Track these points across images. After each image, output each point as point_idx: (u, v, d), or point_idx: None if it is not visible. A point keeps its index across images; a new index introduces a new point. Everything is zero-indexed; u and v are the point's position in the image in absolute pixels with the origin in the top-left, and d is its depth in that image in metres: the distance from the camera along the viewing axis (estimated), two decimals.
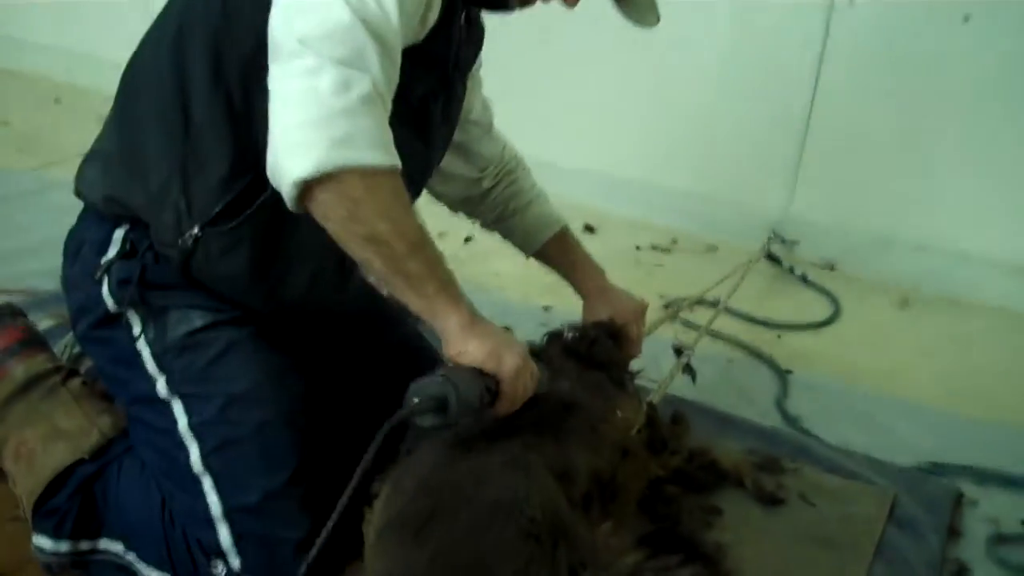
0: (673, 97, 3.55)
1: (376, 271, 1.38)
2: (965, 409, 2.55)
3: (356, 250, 1.34)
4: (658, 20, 1.66)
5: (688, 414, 2.14)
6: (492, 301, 2.88)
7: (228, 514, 1.53)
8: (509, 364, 1.43)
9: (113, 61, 4.48)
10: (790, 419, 2.39)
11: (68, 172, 3.44)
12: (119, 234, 1.59)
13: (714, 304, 2.76)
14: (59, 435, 1.68)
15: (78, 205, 2.90)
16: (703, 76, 3.51)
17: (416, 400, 1.36)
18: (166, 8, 1.58)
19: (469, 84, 1.82)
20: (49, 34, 4.80)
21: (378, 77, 1.28)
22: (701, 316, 2.81)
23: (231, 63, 1.45)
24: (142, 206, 1.54)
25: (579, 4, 1.57)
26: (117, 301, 1.58)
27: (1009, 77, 3.13)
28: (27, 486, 1.64)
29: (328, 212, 1.30)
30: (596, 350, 1.84)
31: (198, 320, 1.57)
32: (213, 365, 1.56)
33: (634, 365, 2.04)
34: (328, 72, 1.24)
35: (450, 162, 1.95)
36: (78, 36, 4.64)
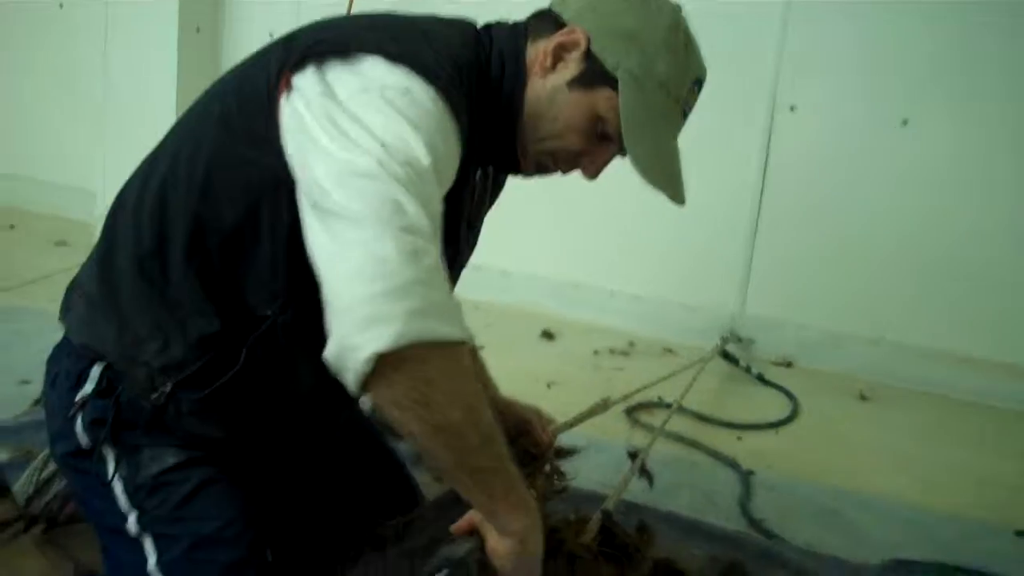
0: (625, 203, 3.59)
1: (442, 463, 1.24)
2: (928, 502, 2.56)
3: (422, 440, 1.20)
4: (683, 201, 1.57)
5: (652, 521, 2.12)
6: None
7: None
8: None
9: (66, 186, 4.55)
10: (754, 521, 2.38)
11: (20, 299, 3.50)
12: (96, 371, 1.56)
13: (667, 405, 2.78)
14: None
15: (31, 331, 2.89)
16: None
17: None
18: (152, 157, 1.56)
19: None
20: (2, 161, 4.82)
21: (433, 247, 1.21)
22: (658, 418, 2.82)
23: (212, 237, 1.43)
24: (116, 360, 1.52)
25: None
26: (90, 438, 1.56)
27: (948, 176, 3.22)
28: None
29: (399, 396, 1.16)
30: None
31: (171, 458, 1.54)
32: (183, 506, 1.53)
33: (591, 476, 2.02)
34: (393, 240, 1.15)
35: None
36: (32, 163, 4.67)
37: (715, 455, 2.75)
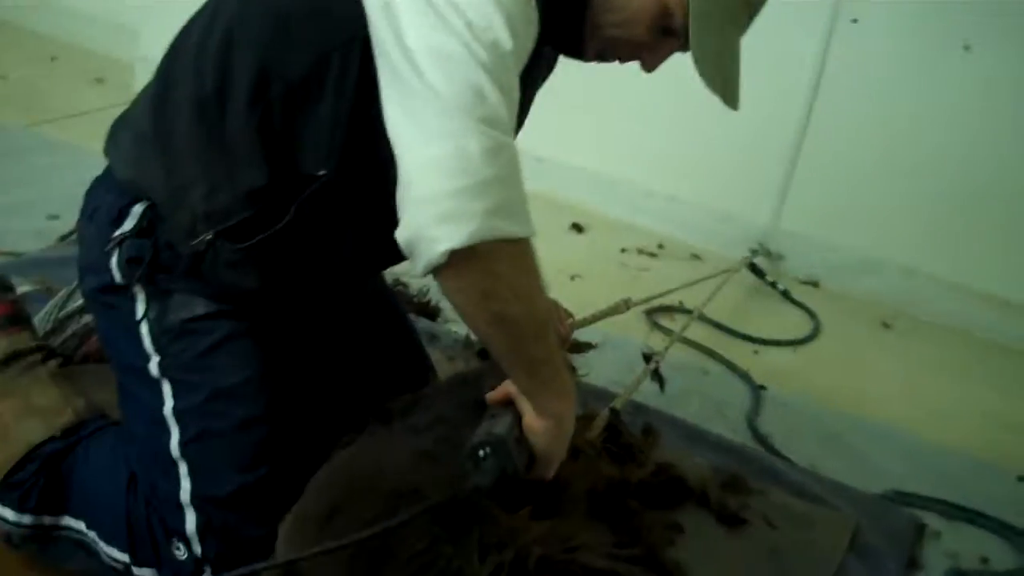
0: (670, 101, 3.52)
1: (496, 349, 1.32)
2: (938, 438, 2.55)
3: (481, 326, 1.29)
4: (737, 105, 1.59)
5: (658, 425, 2.14)
6: None
7: (197, 502, 1.52)
8: (552, 471, 1.45)
9: (112, 22, 4.50)
10: (760, 437, 2.39)
11: (58, 131, 3.51)
12: (138, 209, 1.55)
13: (688, 311, 2.77)
14: (33, 411, 1.68)
15: (65, 165, 2.90)
16: (701, 82, 3.48)
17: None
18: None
19: None
20: None
21: (512, 137, 1.23)
22: (678, 323, 2.81)
23: (276, 86, 1.41)
24: (161, 199, 1.51)
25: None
26: (123, 275, 1.56)
27: (1008, 107, 3.14)
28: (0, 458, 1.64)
29: (465, 286, 1.23)
30: None
31: (200, 308, 1.56)
32: (206, 355, 1.55)
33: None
34: (476, 136, 1.18)
35: None
36: None
37: (729, 366, 2.75)
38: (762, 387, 2.64)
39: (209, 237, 1.48)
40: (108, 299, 1.61)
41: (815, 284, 3.47)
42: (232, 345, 1.56)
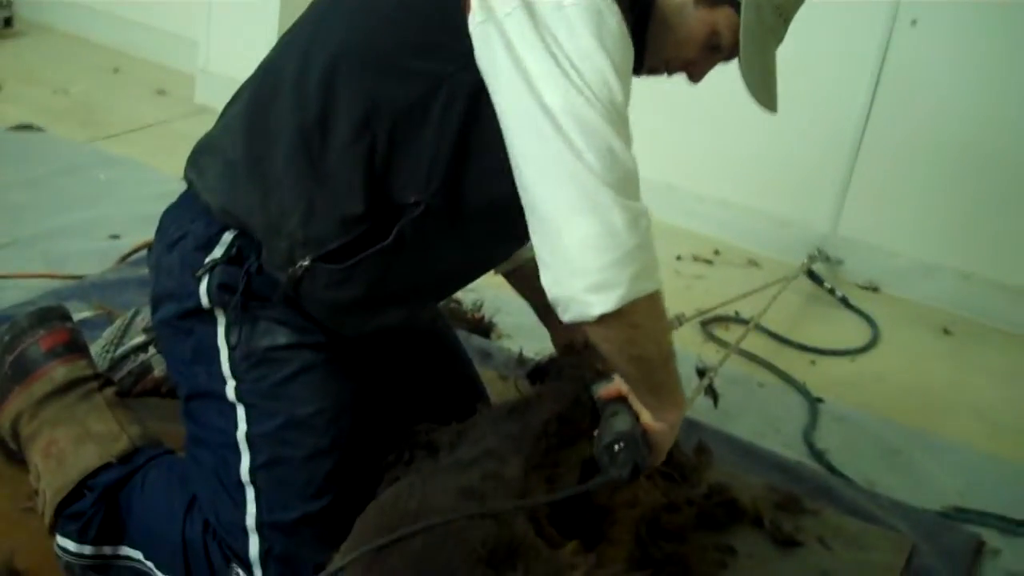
0: (725, 106, 3.50)
1: (629, 378, 1.54)
2: (998, 449, 2.53)
3: (621, 365, 1.49)
4: (775, 110, 1.67)
5: (711, 442, 2.12)
6: (525, 308, 2.84)
7: (262, 527, 1.54)
8: (661, 459, 1.62)
9: (170, 33, 4.56)
10: (816, 452, 2.37)
11: (119, 146, 3.57)
12: (228, 237, 1.59)
13: (745, 321, 2.74)
14: (90, 437, 1.70)
15: (126, 181, 2.93)
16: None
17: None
18: (315, 24, 1.57)
19: None
20: (110, 2, 4.83)
21: (639, 193, 1.36)
22: (733, 334, 2.80)
23: (383, 115, 1.45)
24: (258, 228, 1.54)
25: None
26: (212, 301, 1.59)
27: None
28: (54, 484, 1.67)
29: (611, 335, 1.39)
30: (566, 371, 1.84)
31: (283, 337, 1.59)
32: (284, 384, 1.58)
33: None
34: (620, 210, 1.30)
35: None
36: (138, 6, 4.68)
37: (785, 378, 2.73)
38: (819, 400, 2.62)
39: (307, 263, 1.51)
40: (187, 325, 1.64)
41: (875, 289, 3.43)
42: (308, 376, 1.59)
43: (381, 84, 1.46)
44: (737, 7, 1.52)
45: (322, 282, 1.53)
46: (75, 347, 1.83)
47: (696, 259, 3.47)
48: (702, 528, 1.90)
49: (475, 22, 1.37)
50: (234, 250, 1.58)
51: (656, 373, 1.50)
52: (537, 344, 2.57)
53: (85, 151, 3.54)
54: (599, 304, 1.32)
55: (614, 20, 1.36)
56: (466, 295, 2.71)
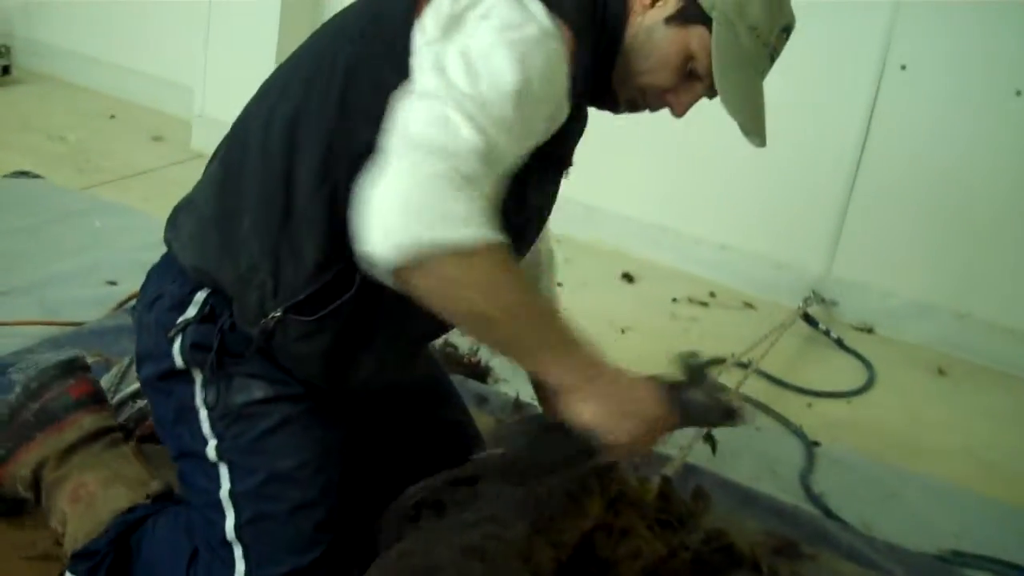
0: (720, 149, 3.53)
1: (481, 341, 1.45)
2: (995, 492, 2.53)
3: (458, 323, 1.39)
4: (763, 142, 1.62)
5: (708, 486, 2.11)
6: None
7: None
8: (626, 432, 1.42)
9: (167, 80, 4.58)
10: (813, 496, 2.37)
11: (116, 193, 3.58)
12: (200, 296, 1.60)
13: (744, 365, 2.75)
14: (119, 480, 1.72)
15: (123, 228, 2.94)
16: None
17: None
18: (281, 80, 1.59)
19: None
20: (106, 50, 4.87)
21: (473, 167, 1.29)
22: (730, 376, 2.80)
23: (341, 160, 1.45)
24: (229, 283, 1.55)
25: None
26: (186, 361, 1.60)
27: None
28: (85, 527, 1.68)
29: (422, 293, 1.31)
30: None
31: (258, 392, 1.58)
32: (263, 439, 1.57)
33: None
34: (423, 159, 1.27)
35: None
36: (134, 54, 4.72)
37: (783, 421, 2.73)
38: (815, 443, 2.62)
39: (278, 315, 1.50)
40: (166, 385, 1.64)
41: (869, 330, 3.44)
42: (288, 429, 1.58)
43: (339, 129, 1.47)
44: (709, 25, 1.51)
45: (293, 334, 1.52)
46: (99, 398, 1.86)
47: (691, 301, 3.49)
48: (699, 574, 1.89)
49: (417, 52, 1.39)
50: (207, 309, 1.59)
51: (505, 328, 1.35)
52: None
53: (82, 198, 3.54)
54: (387, 252, 1.26)
55: (540, 31, 1.36)
56: (463, 339, 2.71)
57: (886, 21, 3.25)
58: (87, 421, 1.79)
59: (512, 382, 2.62)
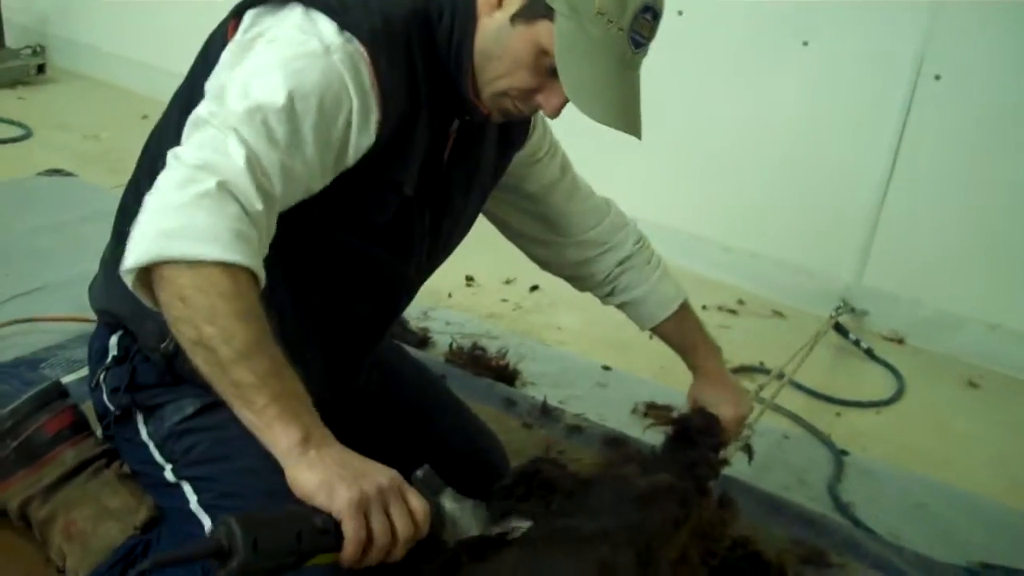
0: (752, 158, 3.54)
1: (206, 377, 1.27)
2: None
3: (187, 350, 1.26)
4: (639, 134, 1.54)
5: (736, 494, 2.10)
6: (550, 356, 2.88)
7: None
8: (342, 499, 1.21)
9: None
10: (842, 505, 2.36)
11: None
12: (114, 340, 1.65)
13: (778, 376, 2.73)
14: (108, 515, 1.73)
15: None
16: (782, 139, 3.50)
17: (190, 544, 1.22)
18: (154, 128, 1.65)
19: (530, 170, 1.86)
20: (139, 50, 4.91)
21: (239, 182, 1.25)
22: (757, 383, 2.78)
23: None
24: (128, 317, 1.60)
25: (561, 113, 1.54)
26: (115, 405, 1.65)
27: None
28: (84, 563, 1.69)
29: (162, 306, 1.25)
30: (690, 453, 1.83)
31: (189, 407, 1.60)
32: (213, 447, 1.58)
33: None
34: (178, 171, 1.25)
35: (543, 233, 1.97)
36: (167, 54, 4.73)
37: (812, 431, 2.72)
38: (844, 452, 2.61)
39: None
40: (117, 431, 1.69)
41: (900, 340, 3.42)
42: (233, 429, 1.39)
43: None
44: (554, 18, 1.43)
45: None
46: (80, 427, 1.85)
47: (721, 309, 3.48)
48: None
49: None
50: (121, 351, 1.64)
51: (229, 368, 1.23)
52: (562, 392, 2.58)
53: (114, 197, 3.51)
54: (128, 258, 1.22)
55: (321, 64, 1.35)
56: (491, 343, 2.72)
57: (921, 31, 3.23)
58: (69, 456, 1.78)
59: (539, 385, 2.62)
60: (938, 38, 3.22)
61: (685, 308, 2.05)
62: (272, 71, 1.32)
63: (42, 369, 2.33)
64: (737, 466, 2.22)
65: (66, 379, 2.09)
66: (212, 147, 1.26)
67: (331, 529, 1.20)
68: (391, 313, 1.78)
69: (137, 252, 1.22)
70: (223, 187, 1.24)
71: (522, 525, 1.44)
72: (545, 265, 2.05)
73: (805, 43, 3.39)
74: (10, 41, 4.97)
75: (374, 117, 1.41)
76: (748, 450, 2.15)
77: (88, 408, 1.88)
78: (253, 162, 1.27)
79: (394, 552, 1.25)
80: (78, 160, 3.89)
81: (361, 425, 1.62)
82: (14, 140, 4.11)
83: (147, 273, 1.24)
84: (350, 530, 1.20)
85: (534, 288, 3.29)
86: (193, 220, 1.21)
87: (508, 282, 3.33)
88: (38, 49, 4.91)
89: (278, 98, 1.30)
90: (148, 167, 1.56)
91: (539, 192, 1.91)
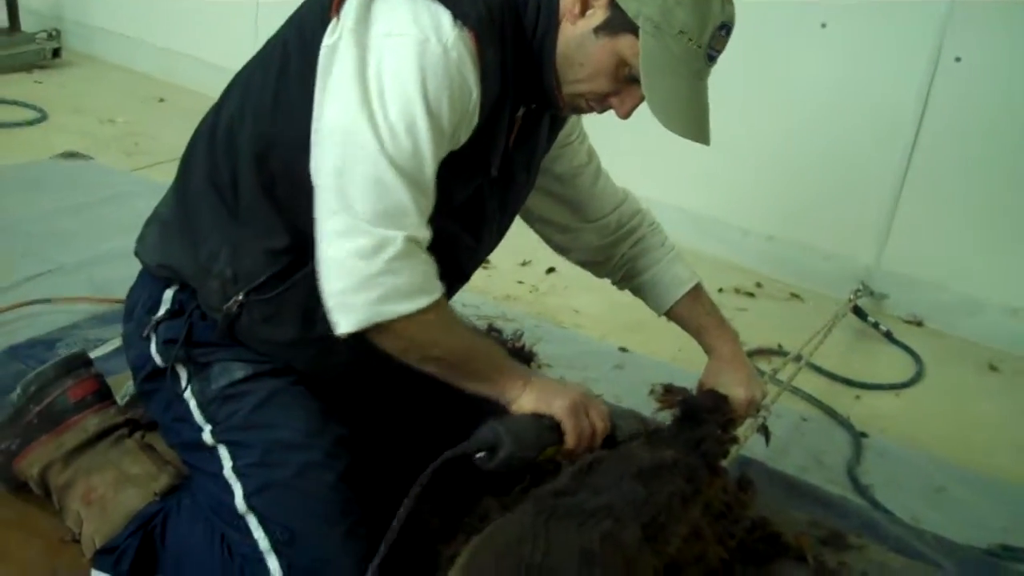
0: (770, 140, 3.52)
1: (440, 376, 1.53)
2: None
3: (417, 366, 1.51)
4: (708, 141, 1.63)
5: (755, 476, 2.09)
6: (567, 338, 2.87)
7: (275, 548, 1.57)
8: (559, 403, 1.56)
9: (215, 65, 4.60)
10: (860, 487, 2.34)
11: (162, 175, 3.58)
12: (168, 294, 1.68)
13: (796, 358, 2.72)
14: (128, 480, 1.75)
15: None
16: (801, 120, 3.47)
17: (467, 443, 1.51)
18: (227, 90, 1.67)
19: (562, 151, 1.90)
20: (156, 33, 4.91)
21: (412, 222, 1.42)
22: (775, 366, 2.77)
23: (277, 152, 1.54)
24: (191, 274, 1.63)
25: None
26: (164, 358, 1.67)
27: None
28: (102, 530, 1.70)
29: (386, 347, 1.47)
30: (697, 431, 1.82)
31: (239, 372, 1.65)
32: (254, 414, 1.63)
33: None
34: (362, 236, 1.39)
35: (566, 218, 2.00)
36: (184, 38, 4.75)
37: (830, 413, 2.70)
38: (863, 434, 2.59)
39: (240, 298, 1.59)
40: (154, 386, 1.72)
41: (919, 324, 3.40)
42: (277, 400, 1.64)
43: (271, 120, 1.54)
44: (638, 32, 1.49)
45: (257, 316, 1.60)
46: (103, 395, 1.88)
47: (738, 292, 3.47)
48: (744, 563, 1.87)
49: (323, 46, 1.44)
50: (176, 305, 1.67)
51: (463, 367, 1.54)
52: (578, 374, 2.57)
53: (130, 179, 3.56)
54: (343, 324, 1.42)
55: (446, 40, 1.40)
56: (507, 325, 2.70)
57: (941, 12, 3.20)
58: (92, 423, 1.82)
59: (556, 367, 2.61)
60: (958, 19, 3.20)
61: (699, 290, 2.05)
62: (403, 78, 1.39)
63: (58, 349, 2.34)
64: (755, 448, 2.22)
65: None
66: (376, 192, 1.39)
67: (556, 427, 1.56)
68: (458, 287, 1.85)
69: (352, 320, 1.42)
70: (409, 242, 1.41)
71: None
72: (564, 251, 2.08)
73: (823, 25, 3.37)
74: (26, 25, 4.96)
75: (478, 102, 1.48)
76: (765, 432, 2.13)
77: (113, 381, 1.93)
78: (414, 191, 1.41)
79: (594, 443, 1.60)
80: (94, 143, 3.89)
81: (414, 385, 1.69)
82: (30, 123, 4.10)
83: None
84: (571, 426, 1.56)
85: (550, 270, 3.27)
86: (396, 284, 1.41)
87: (524, 264, 3.32)
88: (53, 33, 4.91)
89: (416, 108, 1.39)
90: (244, 113, 1.58)
91: (567, 173, 1.94)
